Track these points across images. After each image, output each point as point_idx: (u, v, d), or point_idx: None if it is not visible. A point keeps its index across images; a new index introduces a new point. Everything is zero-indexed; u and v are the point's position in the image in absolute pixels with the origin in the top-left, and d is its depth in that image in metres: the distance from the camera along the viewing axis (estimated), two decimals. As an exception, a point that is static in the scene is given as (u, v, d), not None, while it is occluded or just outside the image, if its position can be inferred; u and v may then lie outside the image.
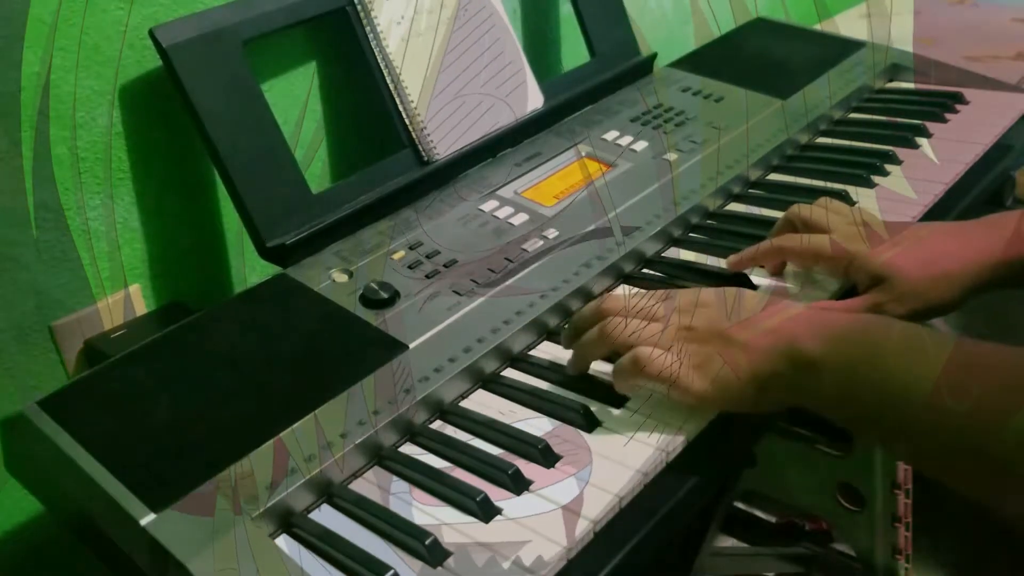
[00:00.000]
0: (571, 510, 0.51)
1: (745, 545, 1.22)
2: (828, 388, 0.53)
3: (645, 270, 0.75)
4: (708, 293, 0.60)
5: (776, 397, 0.55)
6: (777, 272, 0.72)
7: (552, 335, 0.67)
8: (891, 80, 1.08)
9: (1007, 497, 0.48)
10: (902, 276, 0.64)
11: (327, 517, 0.53)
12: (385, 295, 0.66)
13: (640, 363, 0.56)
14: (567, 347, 0.62)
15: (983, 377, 0.48)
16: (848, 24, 1.44)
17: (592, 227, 0.75)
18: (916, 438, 0.50)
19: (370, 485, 0.55)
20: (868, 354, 0.52)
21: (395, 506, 0.52)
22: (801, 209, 0.72)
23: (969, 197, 0.84)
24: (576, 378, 0.61)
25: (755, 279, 0.71)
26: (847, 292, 0.69)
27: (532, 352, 0.66)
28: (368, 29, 0.79)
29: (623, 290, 0.64)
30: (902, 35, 1.32)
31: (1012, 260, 0.66)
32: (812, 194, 0.79)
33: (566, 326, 0.63)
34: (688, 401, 0.56)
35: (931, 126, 0.94)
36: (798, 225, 0.71)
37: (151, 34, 0.68)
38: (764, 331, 0.56)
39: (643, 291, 0.62)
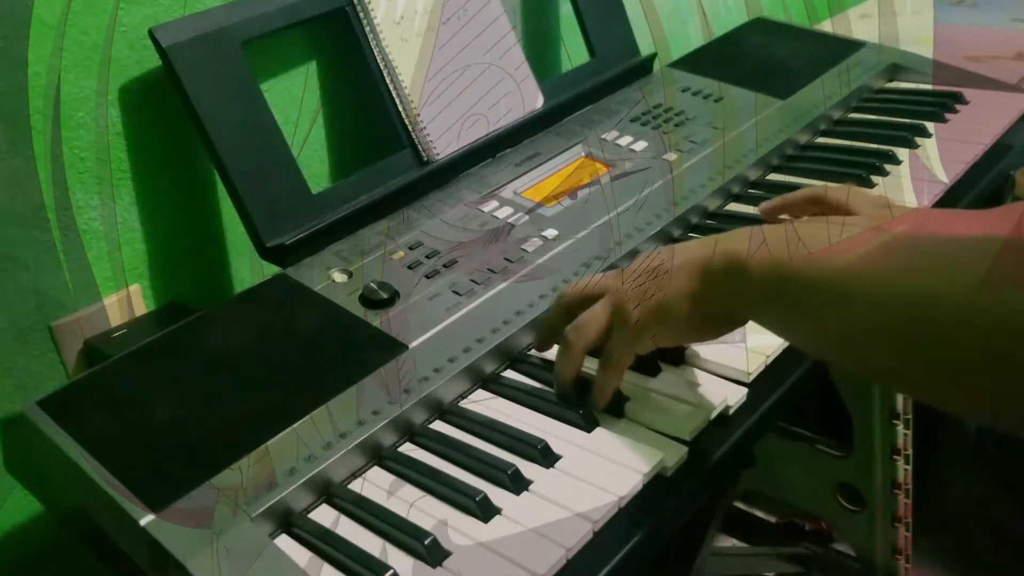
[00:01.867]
0: (571, 510, 0.51)
1: (745, 545, 1.22)
2: (755, 287, 0.52)
3: (645, 270, 0.74)
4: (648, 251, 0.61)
5: (715, 308, 0.55)
6: None
7: (552, 335, 0.67)
8: (891, 80, 1.08)
9: (917, 381, 0.46)
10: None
11: (327, 517, 0.53)
12: (385, 295, 0.66)
13: (575, 331, 0.57)
14: (540, 349, 0.64)
15: (906, 254, 0.46)
16: (848, 24, 1.44)
17: (592, 227, 0.75)
18: (839, 323, 0.48)
19: (370, 485, 0.55)
20: (792, 246, 0.51)
21: (394, 506, 0.52)
22: (827, 191, 0.73)
23: (969, 197, 0.85)
24: (576, 379, 0.61)
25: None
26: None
27: (532, 352, 0.66)
28: (367, 29, 0.79)
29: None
30: (902, 35, 1.32)
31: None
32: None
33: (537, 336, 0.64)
34: (647, 348, 0.56)
35: (931, 126, 0.94)
36: (824, 202, 0.72)
37: (151, 34, 0.68)
38: (697, 246, 0.56)
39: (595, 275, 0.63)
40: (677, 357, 0.63)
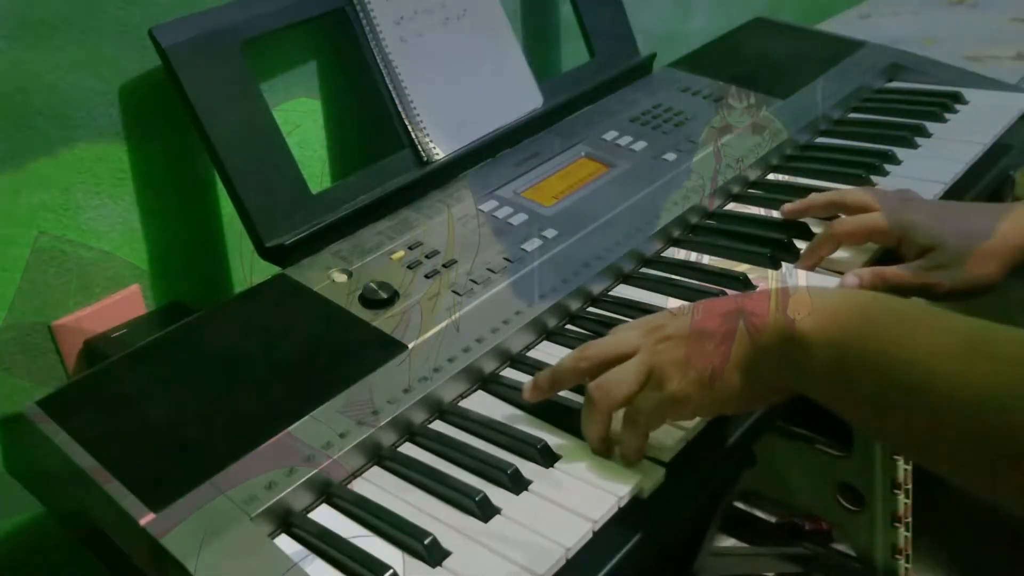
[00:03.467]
0: (570, 510, 0.51)
1: (745, 545, 1.22)
2: (819, 366, 0.48)
3: (644, 270, 0.75)
4: (681, 306, 0.57)
5: (764, 382, 0.52)
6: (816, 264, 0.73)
7: (552, 335, 0.67)
8: (891, 80, 1.08)
9: (1012, 490, 0.42)
10: (948, 247, 0.67)
11: (326, 517, 0.53)
12: (385, 295, 0.66)
13: (602, 391, 0.53)
14: (534, 398, 0.58)
15: (991, 358, 0.43)
16: (848, 24, 1.44)
17: (592, 227, 0.75)
18: (916, 424, 0.45)
19: (369, 485, 0.55)
20: (864, 329, 0.47)
21: (394, 506, 0.52)
22: (845, 193, 0.75)
23: (969, 197, 0.85)
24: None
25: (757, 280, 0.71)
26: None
27: (531, 352, 0.66)
28: (367, 29, 0.79)
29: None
30: (902, 35, 1.32)
31: None
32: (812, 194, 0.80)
33: (537, 376, 0.59)
34: (684, 417, 0.54)
35: (931, 126, 0.94)
36: (843, 206, 0.75)
37: (151, 34, 0.68)
38: (730, 309, 0.53)
39: (619, 330, 0.58)
40: None
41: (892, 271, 0.69)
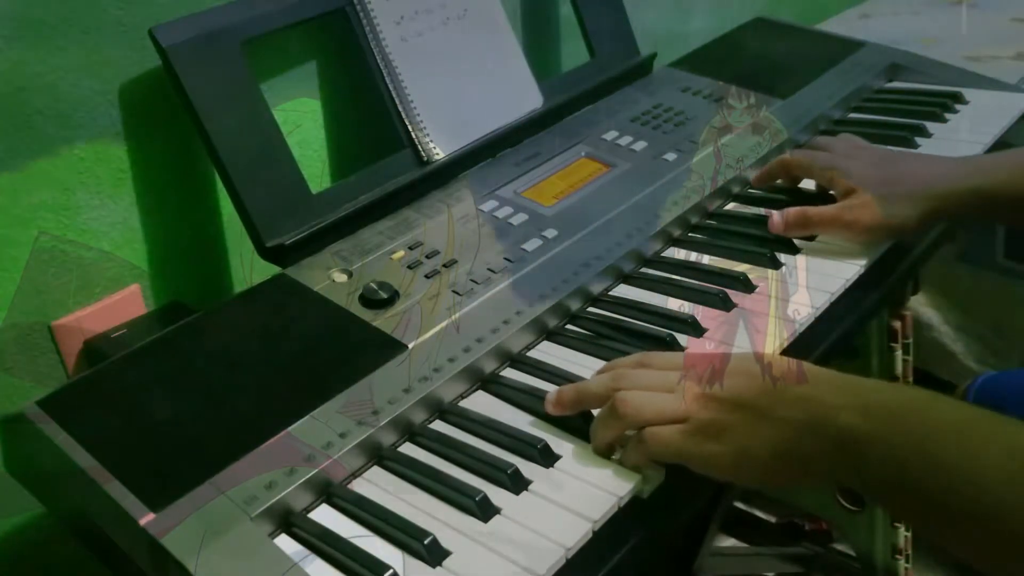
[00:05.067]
0: (570, 510, 0.51)
1: (745, 545, 1.22)
2: (875, 470, 0.47)
3: (644, 270, 0.75)
4: (736, 360, 0.55)
5: (808, 474, 0.50)
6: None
7: (552, 335, 0.67)
8: (891, 80, 1.08)
9: None
10: (870, 189, 0.73)
11: (326, 517, 0.53)
12: (385, 295, 0.66)
13: (646, 444, 0.52)
14: (556, 412, 0.57)
15: None
16: (848, 24, 1.44)
17: (592, 227, 0.75)
18: (975, 532, 0.45)
19: (370, 485, 0.55)
20: (920, 435, 0.46)
21: (394, 506, 0.52)
22: (819, 137, 0.85)
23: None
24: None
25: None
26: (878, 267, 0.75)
27: (532, 352, 0.66)
28: (368, 29, 0.79)
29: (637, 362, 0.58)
30: (902, 35, 1.32)
31: (980, 190, 0.73)
32: (812, 193, 0.81)
33: (563, 390, 0.57)
34: (705, 472, 0.52)
35: (931, 126, 0.94)
36: (814, 147, 0.83)
37: (151, 34, 0.68)
38: (797, 400, 0.50)
39: (658, 363, 0.57)
40: None
41: (815, 209, 0.75)
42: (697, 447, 0.51)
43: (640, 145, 0.87)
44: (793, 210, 0.75)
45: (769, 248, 0.74)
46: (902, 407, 0.48)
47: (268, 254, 0.70)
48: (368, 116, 0.85)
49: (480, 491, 0.52)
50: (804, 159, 0.80)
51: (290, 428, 0.55)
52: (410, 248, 0.72)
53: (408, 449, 0.58)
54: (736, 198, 0.85)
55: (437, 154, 0.81)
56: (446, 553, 0.49)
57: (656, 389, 0.54)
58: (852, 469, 0.48)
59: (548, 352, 0.66)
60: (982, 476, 0.44)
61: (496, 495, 0.52)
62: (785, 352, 0.64)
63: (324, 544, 0.50)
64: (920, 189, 0.73)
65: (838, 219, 0.74)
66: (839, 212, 0.74)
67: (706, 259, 0.75)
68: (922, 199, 0.72)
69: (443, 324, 0.64)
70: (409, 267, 0.70)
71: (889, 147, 0.88)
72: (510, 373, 0.64)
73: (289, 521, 0.52)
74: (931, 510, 0.46)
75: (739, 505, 1.26)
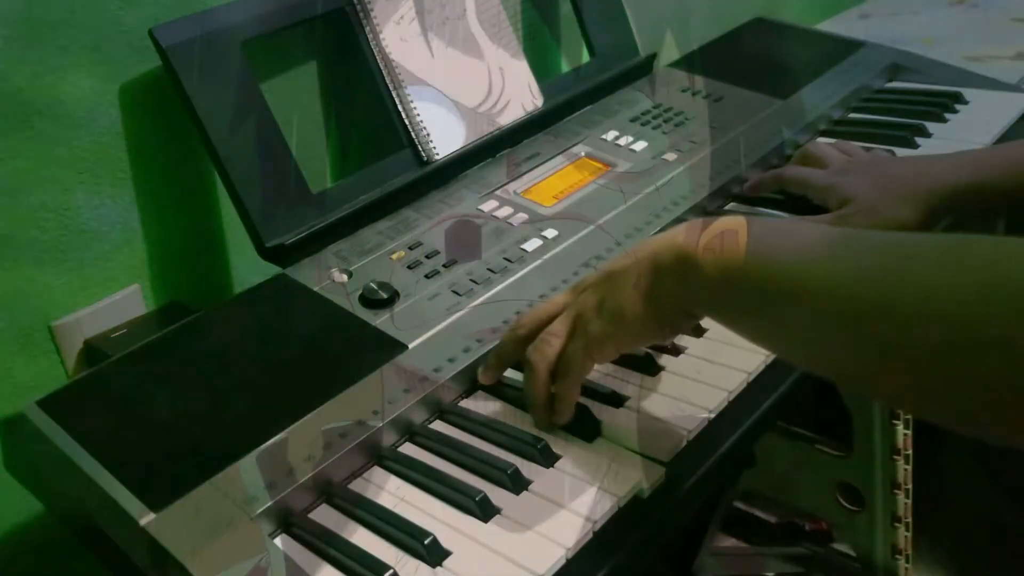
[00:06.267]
0: (571, 510, 0.51)
1: (745, 545, 1.22)
2: (706, 277, 0.49)
3: (645, 270, 0.74)
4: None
5: (668, 305, 0.53)
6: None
7: (552, 335, 0.67)
8: (891, 80, 1.08)
9: (894, 387, 0.43)
10: (863, 196, 0.73)
11: (326, 517, 0.53)
12: (385, 295, 0.66)
13: (540, 346, 0.56)
14: (488, 379, 0.61)
15: (863, 256, 0.44)
16: (848, 24, 1.44)
17: (591, 227, 0.75)
18: (794, 326, 0.46)
19: (370, 485, 0.55)
20: (745, 243, 0.49)
21: (394, 506, 0.52)
22: (811, 146, 0.83)
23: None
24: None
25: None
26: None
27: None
28: (368, 29, 0.79)
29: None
30: (902, 35, 1.32)
31: (973, 185, 0.72)
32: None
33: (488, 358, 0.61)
34: (608, 357, 0.56)
35: (931, 126, 0.94)
36: (807, 159, 0.82)
37: (151, 34, 0.68)
38: (646, 246, 0.54)
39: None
40: (652, 367, 0.61)
41: (810, 220, 0.72)
42: (590, 337, 0.55)
43: (640, 145, 0.87)
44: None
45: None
46: (731, 224, 0.50)
47: (268, 254, 0.70)
48: (368, 116, 0.85)
49: (480, 491, 0.52)
50: (799, 176, 0.79)
51: (290, 428, 0.55)
52: (410, 248, 0.72)
53: (408, 449, 0.58)
54: (736, 198, 0.85)
55: (437, 154, 0.81)
56: (446, 553, 0.49)
57: (550, 312, 0.59)
58: (692, 284, 0.50)
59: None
60: (788, 256, 0.46)
61: (496, 495, 0.52)
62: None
63: (324, 544, 0.50)
64: (918, 190, 0.73)
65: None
66: (835, 222, 0.73)
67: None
68: (922, 199, 0.72)
69: (443, 324, 0.64)
70: (409, 267, 0.70)
71: (888, 148, 0.89)
72: (511, 373, 0.64)
73: (289, 521, 0.52)
74: (751, 306, 0.48)
75: (739, 505, 1.26)
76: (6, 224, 0.68)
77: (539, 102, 0.89)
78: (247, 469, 0.52)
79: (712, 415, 0.57)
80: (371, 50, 0.79)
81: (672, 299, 0.53)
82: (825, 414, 1.06)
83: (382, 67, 0.79)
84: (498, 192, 0.80)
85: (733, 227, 0.50)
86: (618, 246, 0.73)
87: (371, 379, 0.59)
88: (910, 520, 1.02)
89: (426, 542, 0.49)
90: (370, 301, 0.66)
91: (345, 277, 0.69)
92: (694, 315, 0.55)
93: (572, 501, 0.52)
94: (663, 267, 0.52)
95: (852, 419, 1.03)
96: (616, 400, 0.59)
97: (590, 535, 0.50)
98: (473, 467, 0.55)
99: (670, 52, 1.08)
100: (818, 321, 0.45)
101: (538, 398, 0.57)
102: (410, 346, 0.62)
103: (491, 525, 0.51)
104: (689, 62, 1.04)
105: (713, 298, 0.51)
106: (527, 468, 0.54)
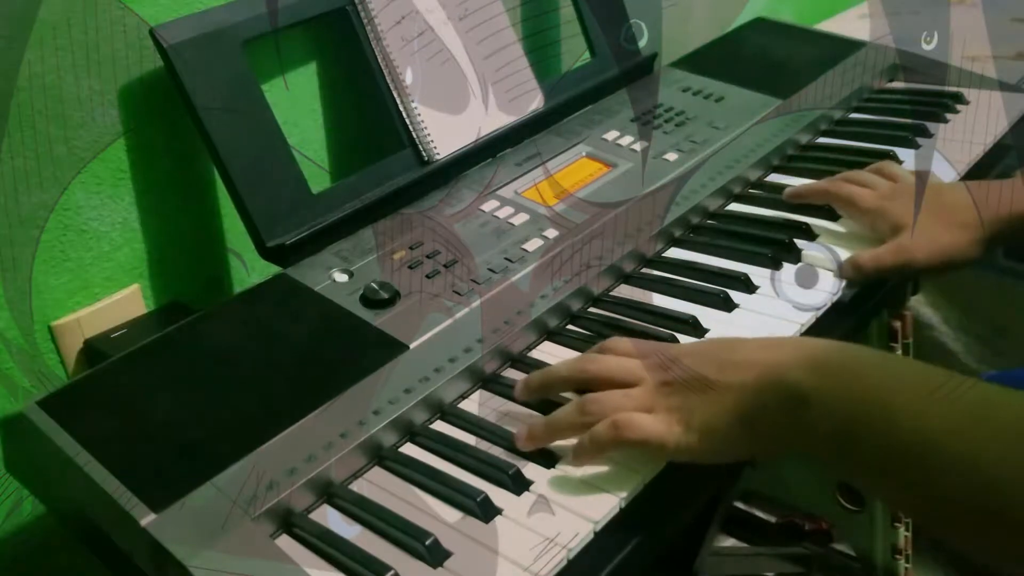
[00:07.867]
0: (572, 510, 0.51)
1: (745, 545, 1.22)
2: (821, 425, 0.47)
3: (645, 270, 0.75)
4: (693, 344, 0.57)
5: (768, 439, 0.51)
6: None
7: (552, 335, 0.67)
8: (891, 80, 1.08)
9: (1010, 554, 0.42)
10: (920, 224, 0.70)
11: (327, 517, 0.53)
12: (385, 295, 0.66)
13: (620, 429, 0.52)
14: (524, 397, 0.58)
15: (1000, 428, 0.43)
16: (848, 24, 1.44)
17: (592, 227, 0.75)
18: (918, 489, 0.45)
19: (370, 485, 0.55)
20: (868, 389, 0.47)
21: (395, 506, 0.52)
22: (859, 172, 0.80)
23: (969, 197, 0.84)
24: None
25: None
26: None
27: (532, 352, 0.66)
28: (368, 29, 0.79)
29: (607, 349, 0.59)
30: (902, 35, 1.32)
31: None
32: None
33: (531, 375, 0.59)
34: (680, 458, 0.53)
35: (931, 126, 0.94)
36: (853, 180, 0.79)
37: (151, 34, 0.68)
38: (748, 365, 0.51)
39: (623, 351, 0.58)
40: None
41: (867, 256, 0.70)
42: (670, 434, 0.52)
43: (640, 145, 0.87)
44: (847, 265, 0.71)
45: (770, 248, 0.74)
46: (850, 360, 0.49)
47: (269, 254, 0.70)
48: (368, 116, 0.85)
49: (481, 492, 0.52)
50: (846, 194, 0.77)
51: (290, 428, 0.55)
52: (411, 248, 0.72)
53: (409, 449, 0.58)
54: (737, 198, 0.85)
55: (437, 154, 0.81)
56: (447, 554, 0.49)
57: (622, 379, 0.55)
58: (802, 428, 0.48)
59: (549, 352, 0.66)
60: (929, 430, 0.44)
61: (497, 496, 0.52)
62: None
63: (325, 545, 0.50)
64: (978, 218, 0.71)
65: (895, 261, 0.70)
66: (894, 254, 0.70)
67: (707, 259, 0.75)
68: (971, 225, 0.70)
69: (444, 324, 0.64)
70: (410, 267, 0.70)
71: (888, 148, 0.89)
72: (511, 373, 0.64)
73: (290, 521, 0.52)
74: (876, 466, 0.46)
75: (739, 505, 1.26)
76: (6, 224, 0.68)
77: (540, 102, 0.89)
78: (248, 469, 0.52)
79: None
80: (371, 50, 0.79)
81: (778, 438, 0.50)
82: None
83: (382, 67, 0.79)
84: (499, 192, 0.80)
85: (843, 366, 0.48)
86: (619, 246, 0.73)
87: (372, 379, 0.59)
88: (910, 520, 1.02)
89: (427, 543, 0.49)
90: (371, 301, 0.66)
91: (346, 277, 0.69)
92: (790, 451, 0.51)
93: (573, 502, 0.52)
94: (765, 404, 0.49)
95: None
96: None
97: (591, 535, 0.50)
98: (474, 468, 0.55)
99: (671, 52, 1.08)
100: (944, 489, 0.43)
101: (556, 434, 0.55)
102: (411, 346, 0.62)
103: (492, 525, 0.51)
104: (690, 62, 1.04)
105: (827, 448, 0.48)
106: (528, 469, 0.54)
